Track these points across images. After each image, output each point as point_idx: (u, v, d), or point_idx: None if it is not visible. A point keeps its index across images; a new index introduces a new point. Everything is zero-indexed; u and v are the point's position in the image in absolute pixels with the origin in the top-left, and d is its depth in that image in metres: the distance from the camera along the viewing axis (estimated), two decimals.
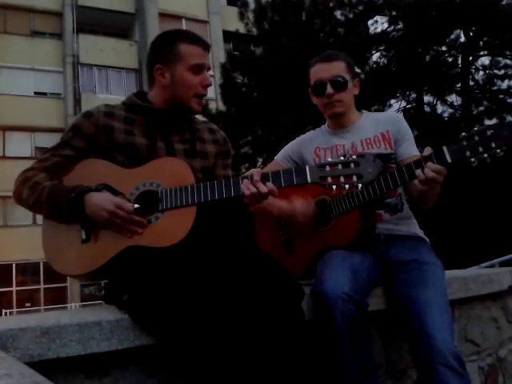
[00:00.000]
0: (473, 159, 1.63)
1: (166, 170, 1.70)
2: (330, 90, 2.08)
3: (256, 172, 1.62)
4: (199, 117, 2.00)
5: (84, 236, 1.64)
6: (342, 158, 1.57)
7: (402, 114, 13.60)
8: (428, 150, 1.72)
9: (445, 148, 1.68)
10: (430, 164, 1.69)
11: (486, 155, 1.61)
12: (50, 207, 1.67)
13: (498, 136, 1.60)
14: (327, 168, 1.55)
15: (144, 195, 1.67)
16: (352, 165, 1.53)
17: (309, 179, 1.57)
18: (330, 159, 1.59)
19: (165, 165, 1.72)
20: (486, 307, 2.50)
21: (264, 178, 1.60)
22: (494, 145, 1.60)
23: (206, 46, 1.86)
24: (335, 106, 2.11)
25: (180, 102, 1.82)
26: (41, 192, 1.67)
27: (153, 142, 1.78)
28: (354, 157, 1.55)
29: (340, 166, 1.54)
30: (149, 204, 1.65)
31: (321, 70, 2.12)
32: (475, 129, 1.66)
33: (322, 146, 2.20)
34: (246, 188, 1.59)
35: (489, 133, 1.62)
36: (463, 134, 1.67)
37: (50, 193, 1.66)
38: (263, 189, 1.57)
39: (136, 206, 1.62)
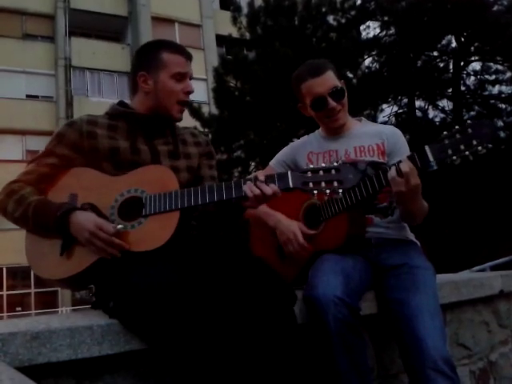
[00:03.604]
0: (455, 157, 1.64)
1: (152, 177, 1.71)
2: (332, 103, 2.07)
3: (259, 173, 1.64)
4: (180, 124, 2.02)
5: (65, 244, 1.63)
6: (334, 163, 1.59)
7: (393, 118, 13.68)
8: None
9: (427, 147, 1.70)
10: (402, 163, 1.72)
11: (467, 153, 1.63)
12: (36, 223, 1.66)
13: (479, 133, 1.62)
14: (309, 174, 1.58)
15: (128, 202, 1.67)
16: (333, 171, 1.57)
17: (291, 185, 1.59)
18: (323, 164, 1.61)
19: (150, 172, 1.73)
20: (477, 311, 2.51)
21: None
22: (475, 142, 1.61)
23: (188, 56, 1.90)
24: (338, 118, 2.11)
25: (162, 109, 1.85)
26: (27, 207, 1.66)
27: (136, 144, 1.80)
28: (335, 163, 1.58)
29: (321, 172, 1.58)
30: (133, 210, 1.65)
31: (317, 85, 2.08)
32: (456, 127, 1.67)
33: (315, 151, 2.20)
34: (250, 190, 1.59)
35: (470, 131, 1.63)
36: (445, 132, 1.68)
37: (36, 209, 1.65)
38: (267, 190, 1.58)
39: (119, 226, 1.59)
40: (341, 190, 1.57)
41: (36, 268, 1.67)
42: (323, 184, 1.56)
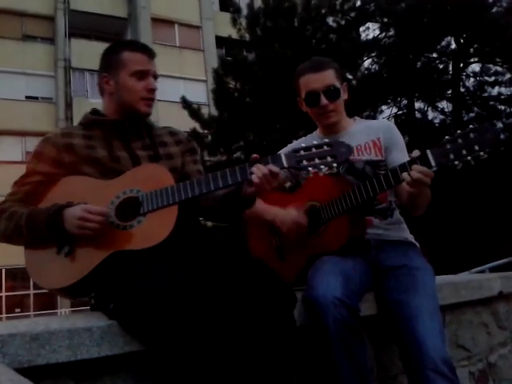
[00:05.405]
0: (457, 162, 1.63)
1: (145, 175, 1.71)
2: (324, 100, 2.08)
3: (255, 156, 1.64)
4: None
5: (66, 250, 1.63)
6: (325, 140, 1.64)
7: (393, 120, 13.69)
8: (416, 153, 1.72)
9: (429, 151, 1.68)
10: (415, 166, 1.69)
11: (469, 158, 1.61)
12: (30, 231, 1.66)
13: (481, 138, 1.60)
14: (302, 152, 1.61)
15: (126, 203, 1.67)
16: (325, 147, 1.61)
17: (285, 164, 1.62)
18: (314, 142, 1.63)
19: (143, 171, 1.74)
20: (476, 313, 2.51)
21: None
22: (477, 147, 1.60)
23: (150, 54, 1.90)
24: (330, 116, 2.12)
25: (127, 106, 1.85)
26: (19, 218, 1.67)
27: (114, 152, 1.79)
28: (326, 140, 1.62)
29: (314, 149, 1.61)
30: (131, 210, 1.65)
31: (312, 81, 2.10)
32: (458, 131, 1.66)
33: None
34: (257, 170, 1.59)
35: (472, 135, 1.61)
36: (447, 137, 1.67)
37: (28, 216, 1.66)
38: (275, 168, 1.59)
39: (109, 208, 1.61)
40: (335, 165, 1.59)
41: (38, 279, 1.67)
42: (317, 160, 1.59)
